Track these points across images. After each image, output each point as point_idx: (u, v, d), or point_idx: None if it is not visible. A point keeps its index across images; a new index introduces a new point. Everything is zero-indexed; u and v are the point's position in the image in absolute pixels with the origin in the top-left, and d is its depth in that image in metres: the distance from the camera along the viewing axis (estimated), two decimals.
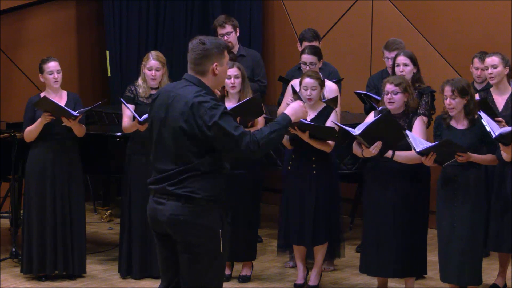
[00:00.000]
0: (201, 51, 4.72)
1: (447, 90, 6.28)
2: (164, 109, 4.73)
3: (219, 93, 7.02)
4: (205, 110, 4.61)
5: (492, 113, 6.57)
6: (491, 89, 7.05)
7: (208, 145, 4.65)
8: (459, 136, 6.28)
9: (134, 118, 7.03)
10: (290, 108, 4.84)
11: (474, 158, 6.20)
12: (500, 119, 6.62)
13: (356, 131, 6.30)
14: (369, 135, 6.27)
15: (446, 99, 6.29)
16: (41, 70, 7.17)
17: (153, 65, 7.14)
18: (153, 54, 7.20)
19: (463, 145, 6.18)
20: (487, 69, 6.96)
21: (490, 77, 6.95)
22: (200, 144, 4.64)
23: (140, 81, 7.24)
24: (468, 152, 6.16)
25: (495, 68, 6.91)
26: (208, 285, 4.74)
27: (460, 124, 6.35)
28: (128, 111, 7.12)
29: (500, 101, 6.96)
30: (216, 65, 4.73)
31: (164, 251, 4.86)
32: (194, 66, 4.75)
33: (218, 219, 4.73)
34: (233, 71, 7.06)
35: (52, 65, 7.14)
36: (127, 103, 7.12)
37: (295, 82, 7.32)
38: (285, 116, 4.80)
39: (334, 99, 7.12)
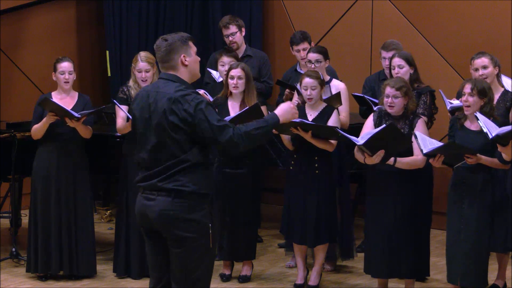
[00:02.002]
0: (165, 47, 4.78)
1: (467, 87, 6.25)
2: (146, 109, 4.78)
3: (237, 90, 6.98)
4: (188, 103, 4.65)
5: None
6: None
7: (194, 139, 4.69)
8: (472, 138, 6.24)
9: (128, 119, 7.04)
10: (280, 109, 4.87)
11: (483, 160, 6.17)
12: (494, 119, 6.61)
13: (360, 140, 6.29)
14: (372, 145, 6.27)
15: (464, 95, 6.27)
16: (54, 69, 7.19)
17: (142, 67, 7.14)
18: (141, 55, 7.19)
19: (475, 147, 6.14)
20: (477, 71, 6.93)
21: (483, 79, 6.92)
22: (186, 138, 4.68)
23: (131, 83, 7.25)
24: (477, 154, 6.13)
25: (485, 69, 6.88)
26: (197, 281, 4.76)
27: (474, 126, 6.31)
28: (121, 112, 7.13)
29: None
30: (183, 56, 4.78)
31: (153, 249, 4.88)
32: (163, 63, 4.82)
33: (208, 214, 4.76)
34: (236, 72, 7.06)
35: (65, 65, 7.15)
36: (120, 104, 7.13)
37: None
38: (274, 115, 4.84)
39: (337, 96, 7.11)
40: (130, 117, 6.87)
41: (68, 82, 7.17)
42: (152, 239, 4.85)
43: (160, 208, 4.72)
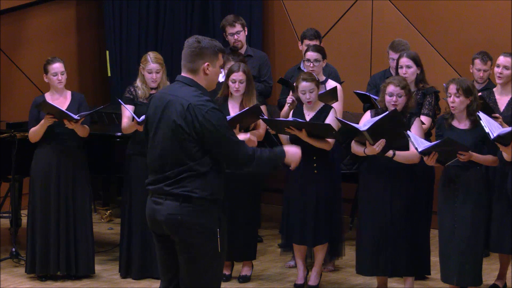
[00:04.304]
0: (195, 48, 4.74)
1: (452, 88, 6.27)
2: (160, 111, 4.75)
3: (239, 93, 6.96)
4: (203, 114, 4.62)
5: (490, 112, 6.57)
6: (494, 89, 7.04)
7: (204, 147, 4.66)
8: (461, 136, 6.27)
9: (133, 119, 7.03)
10: (291, 150, 4.91)
11: (475, 158, 6.20)
12: (497, 115, 6.61)
13: (363, 127, 6.30)
14: (375, 132, 6.27)
15: (450, 96, 6.29)
16: (46, 71, 7.17)
17: (152, 68, 7.12)
18: (151, 56, 7.16)
19: (465, 145, 6.17)
20: (498, 67, 6.92)
21: (499, 77, 6.92)
22: (196, 146, 4.65)
23: (138, 83, 7.22)
24: (469, 151, 6.15)
25: (507, 69, 6.89)
26: (207, 285, 4.75)
27: (462, 124, 6.34)
28: (127, 112, 7.12)
29: (502, 101, 6.95)
30: (207, 64, 4.75)
31: (163, 252, 4.86)
32: (186, 62, 4.78)
33: (216, 219, 4.73)
34: (238, 76, 7.04)
35: (56, 66, 7.14)
36: (126, 104, 7.12)
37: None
38: (282, 152, 4.87)
39: (332, 91, 7.10)
40: (136, 117, 6.94)
41: (61, 83, 7.16)
42: (162, 243, 4.84)
43: (167, 212, 4.70)
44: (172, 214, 4.69)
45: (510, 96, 6.94)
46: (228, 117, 6.86)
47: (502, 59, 6.93)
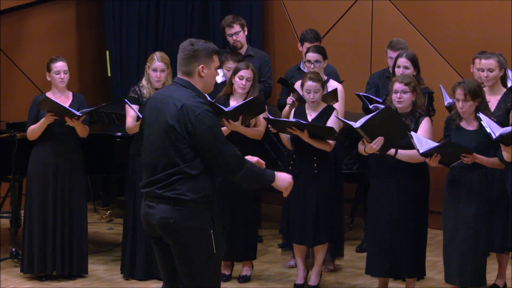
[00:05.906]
0: (189, 51, 4.74)
1: (459, 93, 6.25)
2: (154, 112, 4.76)
3: (244, 91, 7.00)
4: (195, 115, 4.62)
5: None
6: (484, 89, 7.02)
7: (195, 149, 4.66)
8: (469, 137, 6.25)
9: (138, 118, 7.03)
10: (282, 175, 4.87)
11: (480, 160, 6.17)
12: (493, 118, 6.60)
13: (357, 124, 6.29)
14: (370, 129, 6.25)
15: (458, 102, 6.27)
16: (49, 69, 7.18)
17: (158, 66, 7.12)
18: (157, 55, 7.17)
19: (472, 146, 6.15)
20: (482, 71, 6.90)
21: (486, 80, 6.90)
22: (188, 146, 4.65)
23: (144, 82, 7.23)
24: (474, 154, 6.14)
25: (491, 71, 6.86)
26: (204, 286, 4.75)
27: (471, 125, 6.32)
28: (132, 112, 7.12)
29: (493, 101, 6.93)
30: (202, 67, 4.74)
31: (161, 254, 4.87)
32: (181, 66, 4.78)
33: (209, 220, 4.72)
34: (247, 73, 7.07)
35: (60, 65, 7.15)
36: (131, 103, 7.12)
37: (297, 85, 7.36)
38: (272, 175, 4.83)
39: (333, 93, 7.11)
40: (141, 116, 6.92)
41: (63, 81, 7.17)
42: (159, 245, 4.85)
43: (160, 215, 4.70)
44: (164, 218, 4.68)
45: (499, 96, 6.92)
46: (230, 107, 6.88)
47: (484, 62, 6.85)
